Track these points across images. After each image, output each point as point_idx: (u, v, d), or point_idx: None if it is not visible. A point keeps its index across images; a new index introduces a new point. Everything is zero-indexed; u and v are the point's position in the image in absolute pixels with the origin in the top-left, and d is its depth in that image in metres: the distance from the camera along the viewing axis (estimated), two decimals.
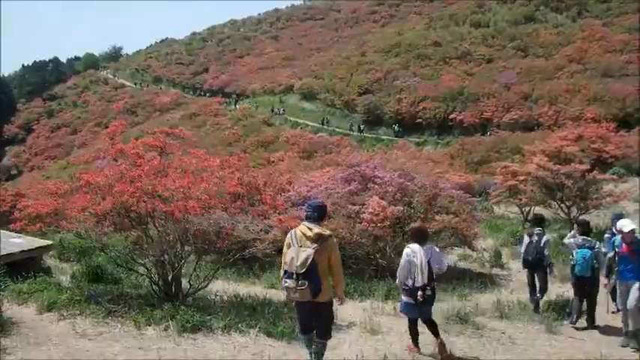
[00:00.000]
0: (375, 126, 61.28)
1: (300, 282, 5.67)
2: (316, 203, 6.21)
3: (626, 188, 19.40)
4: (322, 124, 63.09)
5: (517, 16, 74.58)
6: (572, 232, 9.66)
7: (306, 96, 71.63)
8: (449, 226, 12.25)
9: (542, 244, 9.58)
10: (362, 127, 60.36)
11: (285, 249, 5.92)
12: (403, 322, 8.72)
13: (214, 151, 28.37)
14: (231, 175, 8.98)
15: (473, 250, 14.20)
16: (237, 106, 76.22)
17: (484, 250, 14.73)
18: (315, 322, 6.04)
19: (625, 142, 32.20)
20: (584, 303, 9.22)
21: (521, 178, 18.22)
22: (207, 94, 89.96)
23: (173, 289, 8.44)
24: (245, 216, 8.42)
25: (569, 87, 52.71)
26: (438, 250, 7.51)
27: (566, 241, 9.46)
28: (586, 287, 9.14)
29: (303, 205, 11.82)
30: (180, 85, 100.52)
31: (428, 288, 7.02)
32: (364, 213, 11.79)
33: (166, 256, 8.24)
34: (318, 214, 5.98)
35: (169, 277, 8.37)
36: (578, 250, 9.01)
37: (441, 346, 7.17)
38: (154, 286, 8.49)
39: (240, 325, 7.63)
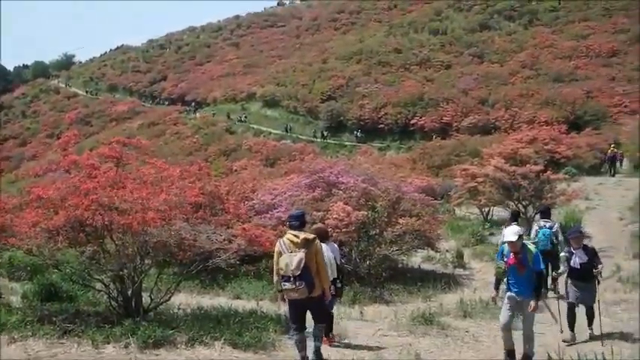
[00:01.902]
0: (338, 132, 61.56)
1: (297, 283, 6.44)
2: (297, 213, 7.12)
3: (577, 187, 20.04)
4: (286, 131, 63.02)
5: (473, 23, 76.77)
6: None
7: (269, 103, 71.38)
8: (412, 228, 12.33)
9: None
10: (325, 133, 60.53)
11: (276, 257, 6.70)
12: (371, 326, 8.77)
13: (174, 160, 27.98)
14: (192, 185, 8.82)
15: (436, 251, 14.39)
16: (198, 115, 75.42)
17: (447, 251, 14.91)
18: (313, 313, 6.86)
19: (575, 143, 33.31)
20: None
21: (480, 179, 18.52)
22: (166, 103, 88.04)
23: (133, 305, 8.16)
24: (207, 226, 8.27)
25: (523, 92, 54.52)
26: (336, 246, 8.51)
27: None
28: (549, 259, 10.52)
29: (267, 214, 11.98)
30: (138, 94, 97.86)
31: (337, 281, 7.85)
32: (329, 219, 11.77)
33: (125, 271, 7.96)
34: (300, 223, 6.87)
35: (129, 292, 8.09)
36: (540, 230, 11.06)
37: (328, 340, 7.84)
38: (112, 303, 8.18)
39: (204, 338, 7.45)
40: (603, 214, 19.29)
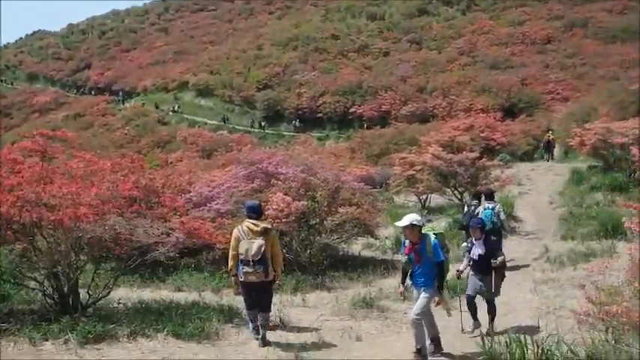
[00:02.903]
0: (276, 122, 61.42)
1: (256, 267, 7.09)
2: (254, 204, 7.68)
3: (511, 173, 20.76)
4: (224, 121, 62.24)
5: (411, 9, 77.54)
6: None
7: (203, 92, 70.27)
8: (352, 217, 12.47)
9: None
10: (263, 123, 60.22)
11: (234, 243, 7.28)
12: (313, 312, 8.90)
13: (105, 153, 27.19)
14: (126, 178, 8.65)
15: (375, 238, 14.61)
16: (127, 105, 73.30)
17: (386, 238, 15.15)
18: (261, 300, 7.37)
19: (510, 130, 34.41)
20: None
21: (418, 167, 18.87)
22: (93, 93, 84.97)
23: (71, 301, 7.95)
24: (144, 220, 8.12)
25: (461, 79, 55.69)
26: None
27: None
28: (492, 238, 10.40)
29: (205, 206, 11.92)
30: (60, 83, 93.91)
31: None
32: (269, 209, 11.79)
33: (59, 267, 7.74)
34: (257, 213, 7.48)
35: (65, 289, 7.88)
36: (484, 211, 11.56)
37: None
38: (48, 300, 7.96)
39: (147, 331, 7.41)
40: (534, 199, 20.03)
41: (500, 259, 7.87)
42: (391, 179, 23.20)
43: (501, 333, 6.82)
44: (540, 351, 5.07)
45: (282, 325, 8.34)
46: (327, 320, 8.68)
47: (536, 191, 21.53)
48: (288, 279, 10.92)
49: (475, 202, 12.30)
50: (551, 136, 32.06)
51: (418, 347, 6.70)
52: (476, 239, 7.93)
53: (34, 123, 64.87)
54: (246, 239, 7.19)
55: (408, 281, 7.09)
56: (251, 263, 7.11)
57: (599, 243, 11.91)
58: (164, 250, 8.37)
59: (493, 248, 7.94)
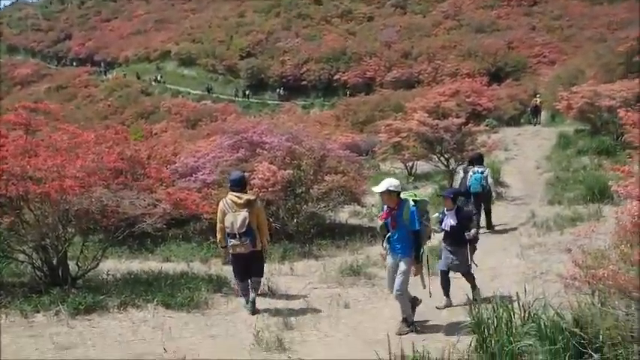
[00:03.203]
0: (260, 90, 60.99)
1: (242, 239, 7.16)
2: (237, 177, 7.63)
3: (498, 138, 20.79)
4: (208, 91, 61.64)
5: None
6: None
7: (185, 62, 69.45)
8: (338, 185, 12.49)
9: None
10: (247, 92, 59.72)
11: (220, 216, 7.34)
12: (301, 280, 8.96)
13: (89, 125, 26.80)
14: (110, 150, 8.58)
15: (362, 206, 14.67)
16: (109, 76, 72.25)
17: (372, 205, 15.20)
18: (252, 267, 7.50)
19: (496, 94, 34.27)
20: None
21: (404, 134, 18.80)
22: (74, 64, 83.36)
23: (60, 274, 7.99)
24: (130, 191, 8.10)
25: (446, 43, 55.28)
26: None
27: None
28: (481, 200, 12.15)
29: (191, 177, 11.87)
30: (41, 55, 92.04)
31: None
32: (254, 179, 11.76)
33: (48, 240, 7.76)
34: (241, 185, 7.50)
35: (54, 262, 7.91)
36: (473, 175, 12.09)
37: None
38: (37, 273, 7.98)
39: (136, 301, 7.46)
40: (521, 164, 20.13)
41: (473, 231, 7.78)
42: (377, 146, 23.20)
43: (488, 298, 6.89)
44: (527, 315, 5.14)
45: (271, 294, 8.40)
46: (315, 288, 8.75)
47: (522, 156, 21.64)
48: (275, 248, 10.96)
49: (471, 167, 12.63)
50: (539, 101, 32.03)
51: (404, 317, 6.67)
52: (447, 210, 7.76)
53: (17, 96, 63.50)
54: (231, 212, 7.25)
55: (386, 245, 6.87)
56: (237, 236, 7.18)
57: (586, 207, 12.02)
58: (151, 221, 8.33)
59: (465, 219, 7.78)
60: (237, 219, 7.17)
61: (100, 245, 9.37)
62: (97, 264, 8.46)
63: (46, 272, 7.97)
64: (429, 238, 7.19)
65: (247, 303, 7.56)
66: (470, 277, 7.71)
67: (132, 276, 8.89)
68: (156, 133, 37.73)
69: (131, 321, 6.96)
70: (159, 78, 67.54)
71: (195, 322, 7.08)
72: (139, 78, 67.95)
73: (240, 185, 7.50)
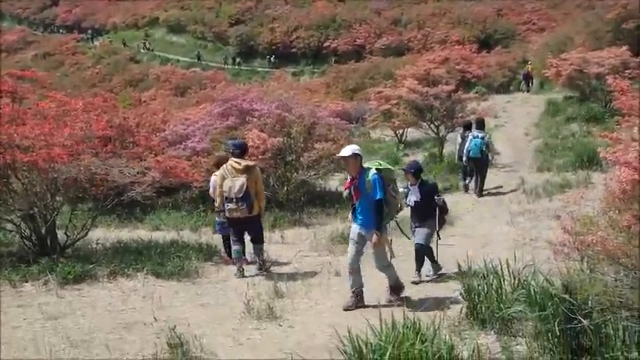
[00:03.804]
0: (249, 58, 60.31)
1: (239, 204, 7.41)
2: (239, 143, 8.08)
3: (487, 105, 20.75)
4: (198, 58, 60.93)
5: None
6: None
7: (174, 29, 68.48)
8: (328, 153, 12.44)
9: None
10: (238, 60, 59.11)
11: (219, 181, 7.61)
12: (292, 248, 8.98)
13: (77, 93, 26.49)
14: (99, 118, 8.48)
15: None
16: (97, 43, 71.11)
17: None
18: (251, 232, 7.86)
19: (486, 62, 34.15)
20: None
21: (394, 102, 18.79)
22: (62, 31, 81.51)
23: (49, 243, 7.95)
24: (119, 160, 8.06)
25: (436, 10, 54.72)
26: None
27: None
28: (479, 165, 12.44)
29: (181, 145, 11.79)
30: (27, 22, 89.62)
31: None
32: None
33: (36, 209, 7.71)
34: (241, 151, 7.75)
35: (42, 231, 7.86)
36: (473, 140, 12.24)
37: (231, 260, 8.14)
38: (26, 242, 7.94)
39: (126, 270, 7.46)
40: (511, 131, 20.15)
41: (441, 199, 7.53)
42: (367, 114, 23.14)
43: (476, 270, 6.85)
44: (517, 282, 5.18)
45: (261, 262, 8.40)
46: (306, 256, 8.78)
47: (512, 123, 21.66)
48: (266, 216, 10.90)
49: (468, 132, 12.82)
50: (531, 68, 31.94)
51: (391, 285, 6.47)
52: (411, 185, 7.47)
53: (3, 63, 62.54)
54: (229, 177, 7.50)
55: (351, 216, 6.55)
56: (234, 200, 7.42)
57: (575, 174, 12.10)
58: (140, 189, 8.30)
59: (430, 193, 7.46)
60: (235, 184, 7.41)
61: (89, 214, 9.33)
62: (86, 233, 8.43)
63: (35, 242, 7.93)
64: (399, 210, 6.72)
65: (237, 271, 7.71)
66: (423, 252, 7.42)
67: (121, 245, 8.88)
68: (145, 101, 37.48)
69: (121, 290, 6.96)
70: (147, 45, 66.57)
71: (185, 291, 7.08)
72: (125, 45, 66.91)
73: (240, 149, 7.75)
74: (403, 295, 6.47)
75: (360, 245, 6.37)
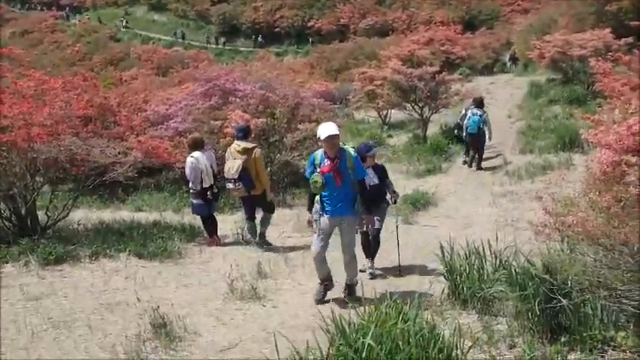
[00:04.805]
0: (232, 37, 59.68)
1: (237, 184, 7.82)
2: (241, 126, 8.38)
3: (471, 87, 20.75)
4: (183, 38, 60.14)
5: None
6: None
7: (155, 7, 67.27)
8: (312, 134, 12.34)
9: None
10: (222, 39, 58.47)
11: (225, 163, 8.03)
12: (275, 229, 8.97)
13: (56, 72, 26.14)
14: (79, 97, 8.37)
15: None
16: (75, 21, 69.75)
17: None
18: (261, 206, 8.26)
19: (470, 43, 34.10)
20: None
21: (378, 82, 18.74)
22: (40, 8, 79.53)
23: (29, 223, 7.88)
24: (100, 140, 8.02)
25: None
26: (212, 154, 8.91)
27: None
28: (475, 140, 13.14)
29: (163, 125, 11.69)
30: None
31: (214, 187, 8.34)
32: (227, 127, 11.63)
33: (15, 190, 7.63)
34: (244, 134, 8.06)
35: (22, 211, 7.78)
36: (471, 117, 13.03)
37: (213, 241, 8.39)
38: (5, 223, 7.85)
39: (108, 251, 7.42)
40: (494, 113, 20.01)
41: (396, 195, 7.19)
42: (351, 95, 23.05)
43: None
44: (498, 262, 5.23)
45: (245, 243, 8.43)
46: (289, 237, 8.78)
47: (495, 105, 21.63)
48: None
49: (477, 109, 13.34)
50: (516, 50, 32.01)
51: (348, 284, 6.10)
52: (366, 167, 6.65)
53: None
54: (230, 159, 7.91)
55: (317, 207, 5.98)
56: (232, 181, 7.84)
57: (557, 155, 12.20)
58: (122, 170, 8.25)
59: (382, 176, 7.00)
60: (233, 165, 7.80)
61: (70, 194, 9.22)
62: (67, 214, 8.35)
63: (15, 222, 7.86)
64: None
65: (253, 241, 8.25)
66: (377, 243, 7.07)
67: (103, 226, 8.83)
68: (126, 80, 37.09)
69: (103, 271, 6.92)
70: (124, 24, 65.37)
71: (168, 272, 7.06)
72: (100, 22, 65.69)
73: (242, 132, 8.09)
74: (359, 297, 5.53)
75: (328, 237, 5.93)
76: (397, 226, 7.12)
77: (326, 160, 5.81)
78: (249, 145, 8.01)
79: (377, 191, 6.93)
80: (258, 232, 8.28)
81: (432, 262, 6.41)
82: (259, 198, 8.09)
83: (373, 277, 6.86)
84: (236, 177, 7.78)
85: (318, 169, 5.80)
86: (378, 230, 7.03)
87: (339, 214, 5.83)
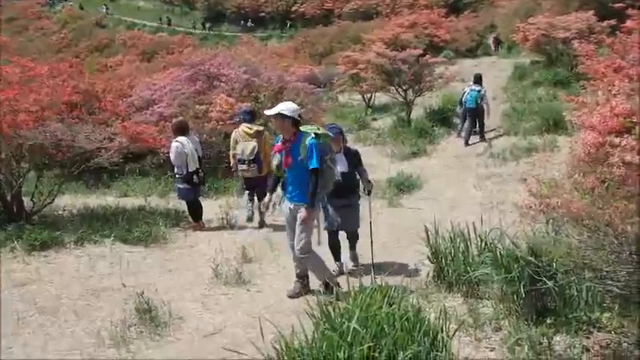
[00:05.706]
0: (217, 23, 59.19)
1: (251, 165, 8.26)
2: (248, 109, 8.92)
3: (455, 70, 20.76)
4: (169, 24, 59.47)
5: None
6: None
7: None
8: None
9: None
10: (208, 25, 57.95)
11: (232, 144, 8.44)
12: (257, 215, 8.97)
13: (42, 58, 25.83)
14: (65, 84, 8.29)
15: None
16: (59, 7, 68.76)
17: None
18: (258, 190, 8.44)
19: (454, 26, 34.04)
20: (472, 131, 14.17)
21: (362, 66, 18.73)
22: None
23: (15, 209, 7.83)
24: (85, 125, 7.97)
25: None
26: (197, 138, 8.87)
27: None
28: (475, 115, 14.11)
29: (148, 110, 11.59)
30: None
31: (200, 170, 8.31)
32: (212, 111, 11.57)
33: (1, 176, 7.59)
34: (251, 117, 8.63)
35: (8, 197, 7.73)
36: (470, 92, 14.07)
37: (198, 226, 8.49)
38: None
39: (94, 237, 7.39)
40: None
41: (370, 185, 6.39)
42: (335, 78, 23.03)
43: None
44: (483, 245, 5.25)
45: (230, 227, 8.46)
46: (275, 222, 8.76)
47: None
48: (234, 181, 10.90)
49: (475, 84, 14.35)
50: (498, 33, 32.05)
51: (321, 282, 5.76)
52: (336, 152, 5.95)
53: None
54: (242, 141, 8.29)
55: (280, 190, 5.82)
56: (247, 162, 8.24)
57: (541, 137, 12.26)
58: (107, 155, 8.23)
59: (354, 163, 6.30)
60: (247, 147, 8.21)
61: (55, 180, 9.14)
62: (53, 199, 8.30)
63: (0, 208, 7.80)
64: (335, 184, 5.74)
65: (251, 217, 8.67)
66: (355, 237, 6.62)
67: (89, 211, 8.78)
68: (111, 67, 36.75)
69: (88, 256, 6.89)
70: (106, 10, 64.36)
71: (153, 257, 7.07)
72: (82, 9, 64.78)
73: (250, 116, 8.60)
74: (336, 291, 4.81)
75: (292, 226, 5.61)
76: (370, 222, 6.31)
77: (280, 140, 5.59)
78: (260, 127, 8.53)
79: (348, 180, 6.22)
80: (259, 218, 8.55)
81: (417, 245, 6.44)
82: (261, 180, 8.21)
83: (356, 268, 6.47)
84: (252, 158, 8.20)
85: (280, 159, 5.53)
86: (353, 227, 6.49)
87: (291, 200, 5.54)
